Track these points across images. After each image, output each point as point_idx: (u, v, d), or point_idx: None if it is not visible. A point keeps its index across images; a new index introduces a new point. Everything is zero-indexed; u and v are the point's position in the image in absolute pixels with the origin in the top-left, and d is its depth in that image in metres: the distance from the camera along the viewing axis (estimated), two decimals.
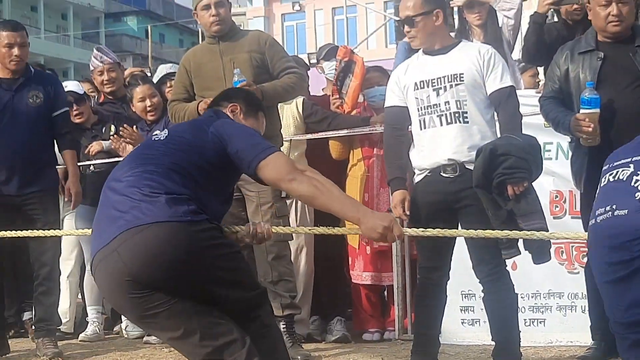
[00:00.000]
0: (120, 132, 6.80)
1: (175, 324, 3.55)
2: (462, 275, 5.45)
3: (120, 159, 6.76)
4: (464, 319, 6.09)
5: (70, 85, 7.20)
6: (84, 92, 7.28)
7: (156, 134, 3.95)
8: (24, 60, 6.18)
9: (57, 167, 6.49)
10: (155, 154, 3.75)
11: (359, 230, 3.68)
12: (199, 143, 3.76)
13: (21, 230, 5.55)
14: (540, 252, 4.74)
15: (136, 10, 58.85)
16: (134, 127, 6.86)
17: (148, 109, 6.90)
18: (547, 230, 4.63)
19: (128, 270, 3.48)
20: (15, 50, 6.11)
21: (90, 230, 3.82)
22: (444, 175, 4.86)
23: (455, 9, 6.91)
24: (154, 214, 3.51)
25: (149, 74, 8.55)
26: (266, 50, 5.92)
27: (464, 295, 6.05)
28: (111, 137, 6.87)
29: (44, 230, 5.90)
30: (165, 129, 4.01)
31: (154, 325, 3.64)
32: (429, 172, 4.93)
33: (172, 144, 3.78)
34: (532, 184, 4.76)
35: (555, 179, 5.96)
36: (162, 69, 7.85)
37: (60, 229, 6.31)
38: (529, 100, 5.79)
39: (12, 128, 6.08)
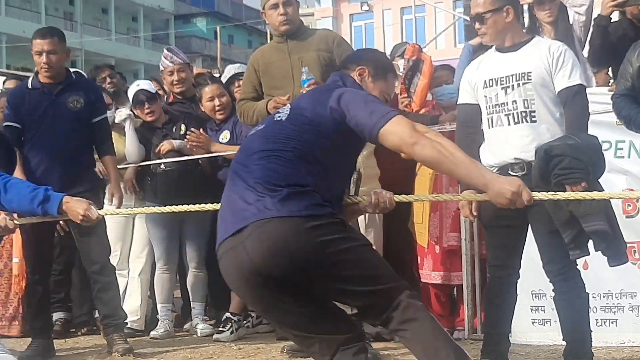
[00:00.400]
0: (187, 136, 6.86)
1: (293, 323, 3.71)
2: (533, 275, 5.39)
3: (191, 157, 6.85)
4: (534, 319, 6.03)
5: (142, 84, 7.28)
6: (156, 91, 7.34)
7: (278, 112, 3.89)
8: (54, 68, 6.23)
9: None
10: (279, 136, 3.72)
11: (486, 196, 3.66)
12: (319, 120, 3.71)
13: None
14: (614, 253, 4.68)
15: (205, 12, 59.32)
16: (201, 129, 6.93)
17: (217, 108, 6.97)
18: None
19: (253, 264, 3.53)
20: (43, 58, 6.18)
21: (216, 205, 3.88)
22: (512, 173, 4.81)
23: (526, 6, 6.84)
24: (276, 208, 3.53)
25: (217, 75, 8.60)
26: (334, 48, 5.94)
27: (534, 295, 5.99)
28: (187, 134, 6.92)
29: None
30: (288, 105, 3.93)
31: (275, 319, 3.80)
32: (497, 170, 4.88)
33: (295, 124, 3.73)
34: (602, 183, 4.70)
35: (627, 177, 5.88)
36: (230, 69, 7.90)
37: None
38: (601, 98, 5.70)
39: (53, 131, 6.17)
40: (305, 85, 5.61)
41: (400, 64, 6.97)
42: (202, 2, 60.42)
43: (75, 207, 4.40)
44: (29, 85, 6.36)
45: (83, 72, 8.57)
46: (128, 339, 6.74)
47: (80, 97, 6.26)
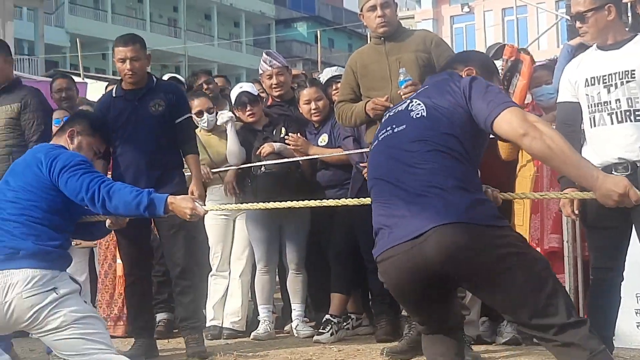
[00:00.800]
0: (286, 140, 6.91)
1: (431, 318, 3.95)
2: (637, 277, 5.30)
3: (291, 160, 6.88)
4: (639, 322, 5.90)
5: (245, 86, 7.34)
6: (258, 93, 7.40)
7: (410, 110, 3.85)
8: (137, 74, 6.31)
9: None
10: (433, 135, 3.71)
11: (593, 194, 3.67)
12: (461, 111, 3.72)
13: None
14: None
15: (306, 16, 59.67)
16: (299, 132, 6.97)
17: (312, 111, 7.01)
18: None
19: (428, 265, 3.57)
20: (127, 65, 6.26)
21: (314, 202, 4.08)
22: (616, 173, 4.70)
23: (628, 4, 6.72)
24: (458, 212, 3.54)
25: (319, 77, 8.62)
26: (432, 49, 5.92)
27: (638, 298, 5.86)
28: (286, 138, 6.97)
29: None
30: (415, 100, 3.87)
31: (419, 314, 3.98)
32: None
33: (441, 120, 3.73)
34: None
35: None
36: (328, 72, 7.91)
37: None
38: None
39: (137, 136, 6.26)
40: (403, 86, 5.60)
41: (498, 65, 6.89)
42: (303, 6, 60.81)
43: (181, 205, 4.47)
44: (114, 94, 6.47)
45: (180, 77, 8.73)
46: (229, 340, 6.86)
47: (161, 100, 6.33)
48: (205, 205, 5.06)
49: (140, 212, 4.44)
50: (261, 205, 4.92)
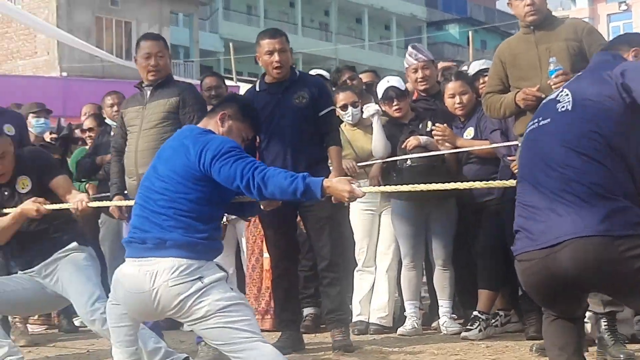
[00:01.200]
0: (433, 131, 6.83)
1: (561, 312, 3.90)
2: None
3: (437, 153, 6.80)
4: None
5: (392, 81, 7.28)
6: (405, 87, 7.34)
7: (558, 100, 3.78)
8: (284, 66, 6.32)
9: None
10: (577, 132, 3.61)
11: None
12: (610, 104, 3.62)
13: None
14: None
15: (457, 18, 59.24)
16: (445, 124, 6.87)
17: (456, 105, 6.91)
18: None
19: (560, 273, 3.56)
20: (275, 57, 6.28)
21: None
22: None
23: None
24: (593, 225, 3.48)
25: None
26: (584, 37, 5.73)
27: None
28: (433, 129, 6.88)
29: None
30: (565, 90, 3.81)
31: (555, 310, 3.90)
32: None
33: (585, 113, 3.63)
34: None
35: None
36: (476, 65, 7.79)
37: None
38: None
39: (281, 129, 6.27)
40: (553, 76, 5.46)
41: None
42: (455, 8, 60.39)
43: (338, 188, 4.38)
44: (257, 88, 6.52)
45: (324, 73, 8.76)
46: (375, 336, 6.83)
47: (304, 92, 6.33)
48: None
49: (297, 198, 4.40)
50: (423, 186, 4.85)
